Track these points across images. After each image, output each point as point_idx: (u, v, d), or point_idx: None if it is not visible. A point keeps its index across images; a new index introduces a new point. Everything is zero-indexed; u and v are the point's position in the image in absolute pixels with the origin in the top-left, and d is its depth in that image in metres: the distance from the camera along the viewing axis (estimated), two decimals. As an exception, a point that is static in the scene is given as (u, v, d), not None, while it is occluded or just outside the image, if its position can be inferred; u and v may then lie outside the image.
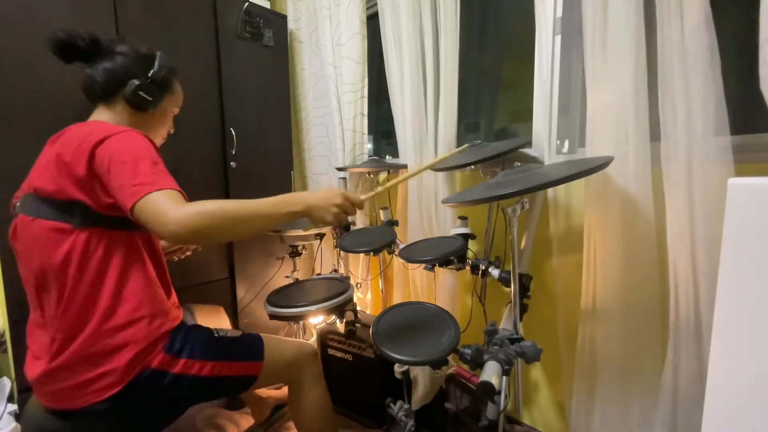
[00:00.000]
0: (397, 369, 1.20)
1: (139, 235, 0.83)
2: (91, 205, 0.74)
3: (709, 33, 0.80)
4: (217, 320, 1.27)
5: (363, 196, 0.86)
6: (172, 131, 1.03)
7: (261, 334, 1.01)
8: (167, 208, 0.67)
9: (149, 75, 0.88)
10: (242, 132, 1.68)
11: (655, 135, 0.91)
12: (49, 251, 0.74)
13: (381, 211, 1.62)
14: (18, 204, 0.81)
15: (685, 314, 0.88)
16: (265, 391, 1.39)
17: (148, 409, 0.82)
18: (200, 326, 0.94)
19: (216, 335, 0.93)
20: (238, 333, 0.98)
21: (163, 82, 0.91)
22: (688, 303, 0.87)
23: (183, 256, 1.27)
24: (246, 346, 0.96)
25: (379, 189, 0.93)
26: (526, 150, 1.27)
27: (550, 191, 1.16)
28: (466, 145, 1.31)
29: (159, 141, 0.98)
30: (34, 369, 0.79)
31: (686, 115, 0.84)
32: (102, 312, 0.76)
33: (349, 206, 0.81)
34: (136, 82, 0.85)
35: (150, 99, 0.88)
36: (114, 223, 0.77)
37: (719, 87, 0.81)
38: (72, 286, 0.75)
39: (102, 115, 0.87)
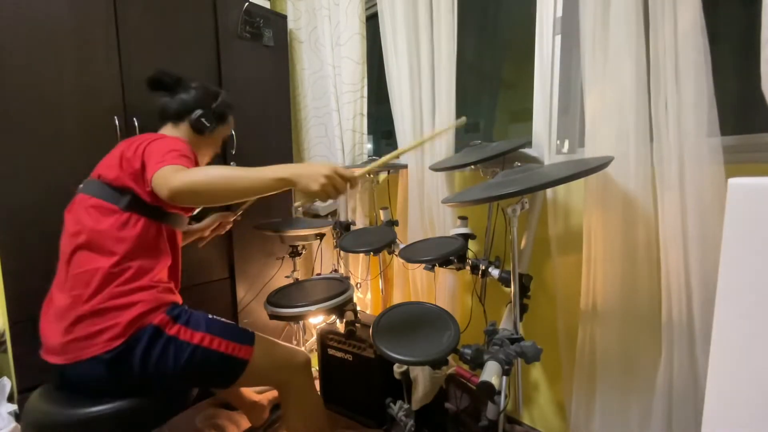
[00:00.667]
0: (397, 369, 1.20)
1: (166, 228, 0.99)
2: (139, 192, 0.92)
3: (702, 35, 0.80)
4: None
5: (357, 172, 0.82)
6: (219, 152, 1.25)
7: (255, 332, 1.04)
8: (172, 173, 0.81)
9: (212, 107, 1.11)
10: (242, 132, 1.68)
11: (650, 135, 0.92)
12: (97, 221, 0.91)
13: (381, 211, 1.62)
14: (81, 186, 0.98)
15: (677, 314, 0.89)
16: (257, 395, 1.39)
17: (141, 368, 0.86)
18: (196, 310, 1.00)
19: (210, 316, 0.99)
20: (231, 322, 1.03)
21: (221, 114, 1.15)
22: (681, 303, 0.88)
23: (204, 243, 1.38)
24: (238, 331, 1.00)
25: (374, 165, 0.88)
26: (526, 150, 1.27)
27: (549, 191, 1.17)
28: (463, 118, 1.23)
29: (206, 159, 1.20)
30: (52, 328, 0.87)
31: (677, 116, 0.84)
32: (127, 277, 0.89)
33: (339, 181, 0.78)
34: (201, 111, 1.09)
35: (208, 125, 1.10)
36: (150, 212, 0.94)
37: (710, 88, 0.81)
38: (108, 255, 0.89)
39: (167, 131, 1.08)
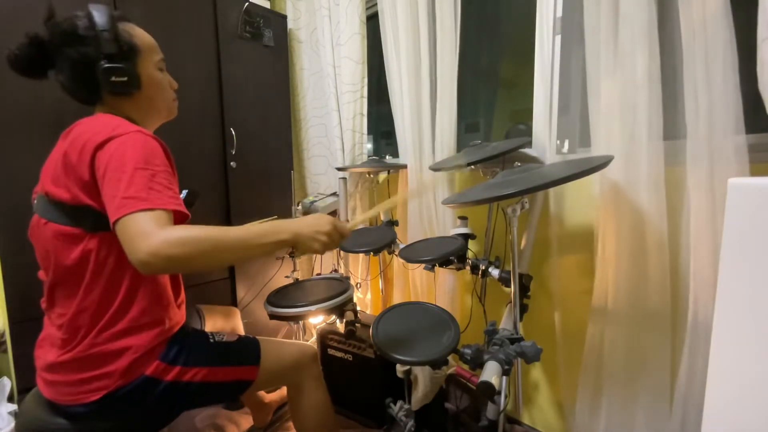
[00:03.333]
0: (400, 368, 1.20)
1: None
2: (100, 209, 0.71)
3: (728, 24, 0.78)
4: (229, 322, 1.25)
5: (349, 225, 0.83)
6: (176, 85, 0.92)
7: (259, 338, 0.99)
8: (145, 233, 0.62)
9: (106, 54, 0.75)
10: (242, 132, 1.68)
11: (671, 134, 0.90)
12: (62, 254, 0.74)
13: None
14: (35, 202, 0.79)
15: (703, 317, 0.87)
16: (267, 396, 1.38)
17: (136, 414, 0.81)
18: (198, 331, 0.93)
19: (211, 341, 0.91)
20: (234, 337, 0.95)
21: (121, 50, 0.77)
22: (707, 306, 0.85)
23: None
24: (241, 351, 0.93)
25: (367, 215, 0.91)
26: (526, 150, 1.27)
27: (550, 191, 1.16)
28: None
29: (172, 107, 0.93)
30: (44, 356, 0.79)
31: (708, 112, 0.82)
32: (111, 315, 0.75)
33: (338, 236, 0.77)
34: (104, 69, 0.75)
35: (126, 79, 0.78)
36: None
37: (736, 82, 0.78)
38: (87, 289, 0.74)
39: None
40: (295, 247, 0.75)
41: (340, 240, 0.78)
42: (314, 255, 1.97)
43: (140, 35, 0.84)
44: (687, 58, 0.84)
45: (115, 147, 0.69)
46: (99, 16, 0.76)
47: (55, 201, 0.74)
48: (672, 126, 0.92)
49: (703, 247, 0.86)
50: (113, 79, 0.77)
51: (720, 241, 0.81)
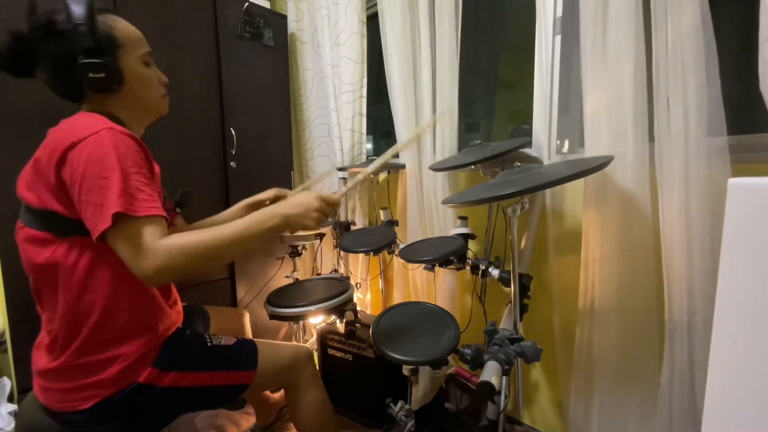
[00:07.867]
0: (406, 366, 1.20)
1: None
2: (68, 214, 0.69)
3: (707, 34, 0.80)
4: (236, 324, 1.24)
5: (337, 194, 0.83)
6: (166, 79, 0.87)
7: (256, 340, 0.99)
8: (144, 245, 0.64)
9: (83, 49, 0.71)
10: (242, 132, 1.68)
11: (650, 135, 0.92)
12: (35, 259, 0.73)
13: (381, 211, 1.62)
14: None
15: (678, 315, 0.88)
16: (273, 395, 1.38)
17: (132, 419, 0.80)
18: (196, 333, 0.92)
19: (209, 344, 0.90)
20: (232, 340, 0.95)
21: (99, 43, 0.73)
22: (682, 303, 0.87)
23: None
24: (239, 355, 0.93)
25: (351, 184, 0.90)
26: (526, 150, 1.27)
27: (548, 191, 1.16)
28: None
29: (162, 103, 0.87)
30: (38, 361, 0.79)
31: (683, 115, 0.83)
32: (93, 324, 0.74)
33: (328, 207, 0.78)
34: (81, 64, 0.71)
35: (104, 75, 0.73)
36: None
37: (716, 88, 0.80)
38: (63, 296, 0.73)
39: (85, 113, 0.79)
40: (289, 229, 0.77)
41: (332, 210, 0.80)
42: (315, 255, 1.97)
43: (122, 27, 0.79)
44: (659, 65, 0.86)
45: (86, 151, 0.66)
46: (76, 8, 0.71)
47: (27, 206, 0.73)
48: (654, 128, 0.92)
49: (677, 247, 0.87)
50: (90, 75, 0.72)
51: (693, 240, 0.84)
